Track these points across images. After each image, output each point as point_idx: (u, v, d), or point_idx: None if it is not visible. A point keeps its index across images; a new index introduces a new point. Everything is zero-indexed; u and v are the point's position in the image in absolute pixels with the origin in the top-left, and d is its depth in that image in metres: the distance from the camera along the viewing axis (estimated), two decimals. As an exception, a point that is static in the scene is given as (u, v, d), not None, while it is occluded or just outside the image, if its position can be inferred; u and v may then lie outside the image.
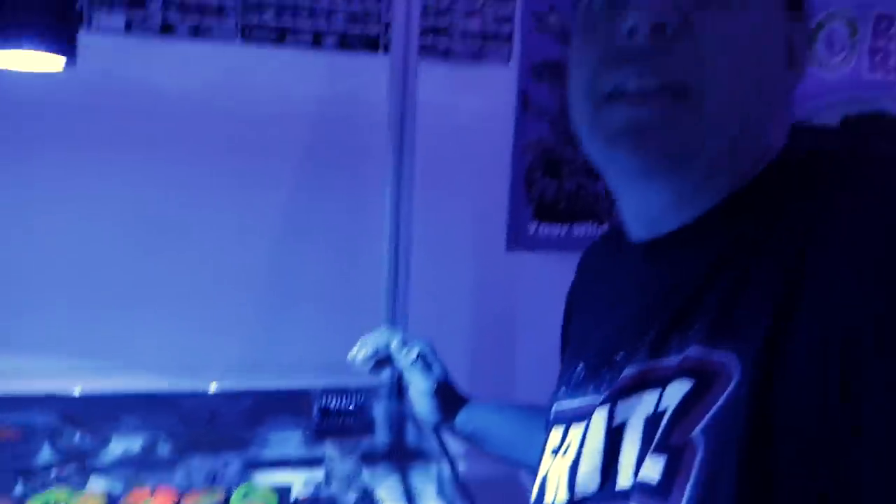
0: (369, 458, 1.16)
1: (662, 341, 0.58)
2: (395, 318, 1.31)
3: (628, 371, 0.60)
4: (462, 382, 1.06)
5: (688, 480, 0.52)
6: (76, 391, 1.20)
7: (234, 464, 1.09)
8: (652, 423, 0.57)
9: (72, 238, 1.36)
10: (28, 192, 1.34)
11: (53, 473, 1.05)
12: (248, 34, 1.43)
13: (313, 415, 1.18)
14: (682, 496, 0.52)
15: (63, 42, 0.69)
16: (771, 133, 0.60)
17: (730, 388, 0.51)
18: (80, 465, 1.08)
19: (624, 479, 0.57)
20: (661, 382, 0.57)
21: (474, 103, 1.54)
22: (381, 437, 1.22)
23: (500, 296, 1.63)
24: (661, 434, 0.55)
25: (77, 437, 1.15)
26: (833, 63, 1.75)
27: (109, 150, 1.37)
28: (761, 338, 0.50)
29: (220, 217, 1.40)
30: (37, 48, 0.72)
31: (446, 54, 1.52)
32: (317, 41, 1.45)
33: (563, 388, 0.69)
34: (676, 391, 0.55)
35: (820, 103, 1.75)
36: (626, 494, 0.57)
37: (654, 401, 0.57)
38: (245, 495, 0.98)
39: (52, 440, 1.14)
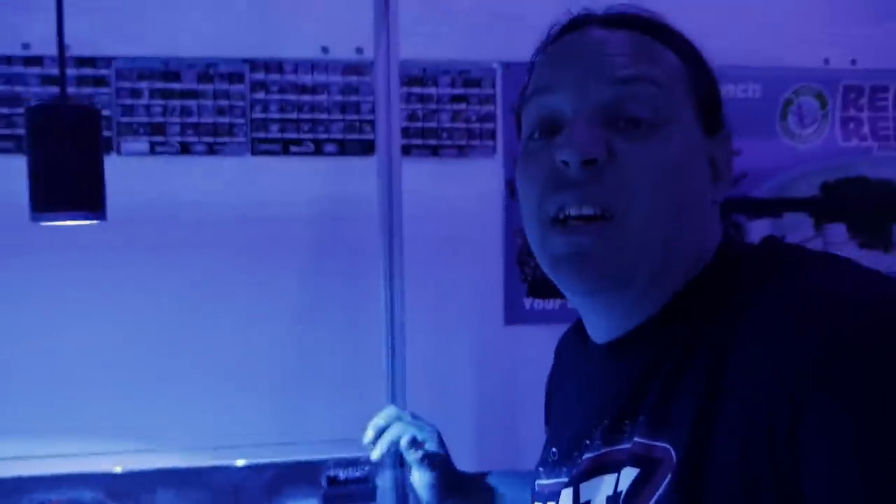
0: (374, 522, 1.29)
1: (616, 430, 0.64)
2: (395, 394, 1.45)
3: (587, 455, 0.68)
4: (467, 450, 1.17)
5: None
6: (118, 469, 1.36)
7: (253, 529, 1.23)
8: (613, 500, 0.63)
9: (111, 335, 1.56)
10: (71, 296, 1.55)
11: (97, 543, 1.20)
12: (256, 148, 1.65)
13: (322, 484, 1.31)
14: None
15: (94, 209, 0.88)
16: (701, 242, 0.65)
17: (668, 476, 0.57)
18: (120, 537, 1.23)
19: None
20: (617, 466, 0.63)
21: (466, 193, 1.72)
22: (384, 502, 1.34)
23: (501, 366, 1.77)
24: None
25: (117, 511, 1.30)
26: (805, 135, 1.88)
27: (140, 254, 1.57)
28: (690, 429, 0.55)
29: (238, 310, 1.59)
30: (72, 219, 0.91)
31: (435, 152, 1.72)
32: (318, 149, 1.66)
33: (541, 469, 0.76)
34: (628, 476, 0.61)
35: (795, 173, 1.87)
36: None
37: (613, 482, 0.63)
38: (262, 556, 1.11)
39: (96, 514, 1.30)
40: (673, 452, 0.57)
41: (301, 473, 1.39)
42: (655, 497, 0.58)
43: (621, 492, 0.62)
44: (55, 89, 1.58)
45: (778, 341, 0.53)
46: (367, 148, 1.68)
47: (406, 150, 1.61)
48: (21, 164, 1.55)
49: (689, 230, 0.63)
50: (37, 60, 1.60)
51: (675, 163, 0.62)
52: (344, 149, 1.67)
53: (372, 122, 1.68)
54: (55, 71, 1.58)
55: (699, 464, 0.55)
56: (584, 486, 0.68)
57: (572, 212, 0.62)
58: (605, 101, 0.62)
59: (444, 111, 1.72)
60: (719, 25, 1.73)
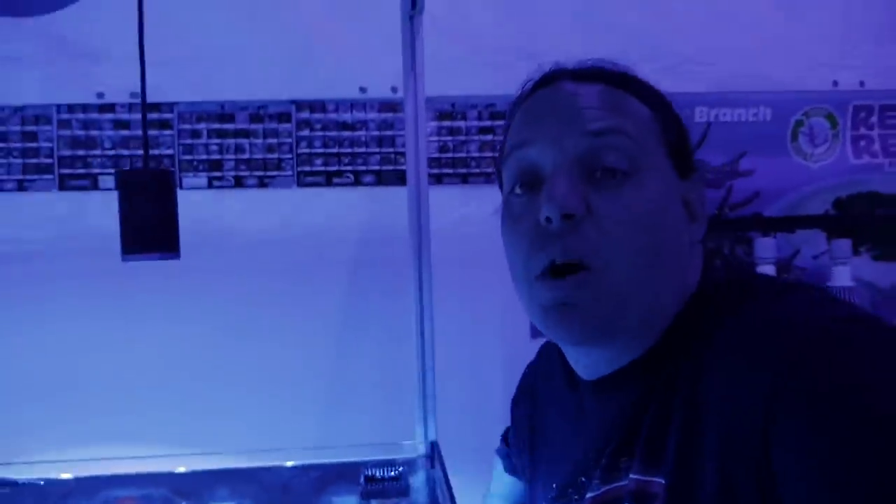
0: (408, 516, 1.42)
1: (613, 469, 0.67)
2: (426, 403, 1.59)
3: (589, 495, 0.70)
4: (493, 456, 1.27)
5: None
6: (181, 469, 1.53)
7: (301, 520, 1.37)
8: None
9: (174, 351, 1.74)
10: (139, 317, 1.74)
11: (166, 531, 1.36)
12: (302, 180, 1.83)
13: (360, 482, 1.45)
14: None
15: (171, 249, 1.05)
16: (683, 281, 0.67)
17: None
18: (185, 526, 1.39)
19: None
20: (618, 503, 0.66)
21: (494, 216, 1.86)
22: (417, 498, 1.48)
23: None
24: None
25: (183, 504, 1.47)
26: (817, 154, 1.96)
27: (200, 277, 1.75)
28: (676, 462, 0.58)
29: (286, 326, 1.75)
30: (154, 259, 1.09)
31: (465, 179, 1.87)
32: (357, 180, 1.83)
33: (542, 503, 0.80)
34: None
35: (807, 191, 1.95)
36: None
37: None
38: (308, 543, 1.26)
39: (164, 507, 1.47)
40: (665, 486, 0.59)
41: (343, 473, 1.53)
42: None
43: None
44: (126, 132, 1.80)
45: (738, 367, 0.56)
46: (401, 178, 1.83)
47: (438, 179, 1.77)
48: (93, 199, 1.78)
49: (669, 274, 0.65)
50: (110, 108, 1.81)
51: (651, 210, 0.64)
52: (381, 179, 1.84)
53: (405, 154, 1.84)
54: (125, 116, 1.80)
55: (688, 495, 0.57)
56: None
57: (559, 260, 0.64)
58: (581, 154, 0.65)
59: (472, 142, 1.87)
60: (730, 51, 1.85)
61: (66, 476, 1.51)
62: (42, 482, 1.49)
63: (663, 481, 0.60)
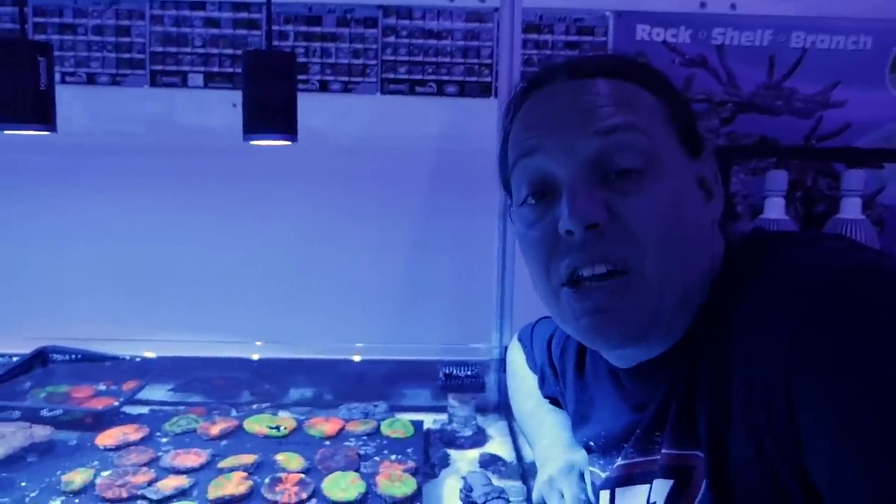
0: (482, 409, 1.48)
1: (647, 441, 0.69)
2: (503, 311, 1.63)
3: (621, 462, 0.73)
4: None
5: None
6: (255, 357, 1.62)
7: (381, 406, 1.44)
8: None
9: (259, 247, 1.80)
10: (227, 212, 1.80)
11: (254, 407, 1.45)
12: (385, 88, 1.84)
13: (439, 377, 1.51)
14: None
15: (292, 132, 1.09)
16: (711, 264, 0.66)
17: (703, 483, 0.60)
18: (271, 404, 1.47)
19: None
20: (648, 477, 0.68)
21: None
22: (491, 395, 1.54)
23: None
24: None
25: (266, 386, 1.56)
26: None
27: (284, 180, 1.80)
28: (710, 434, 0.59)
29: (368, 230, 1.80)
30: (275, 140, 1.12)
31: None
32: (440, 90, 1.84)
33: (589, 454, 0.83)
34: (662, 488, 0.65)
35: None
36: None
37: (645, 494, 0.68)
38: (390, 425, 1.32)
39: (249, 387, 1.56)
40: (704, 459, 0.60)
41: (415, 370, 1.60)
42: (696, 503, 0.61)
43: (654, 502, 0.66)
44: (215, 31, 1.82)
45: (759, 331, 0.56)
46: (484, 90, 1.84)
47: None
48: (182, 96, 1.83)
49: (697, 262, 0.65)
50: (200, 5, 1.83)
51: (671, 204, 0.62)
52: (463, 90, 1.84)
53: (490, 66, 1.83)
54: (215, 14, 1.82)
55: (725, 465, 0.58)
56: (618, 492, 0.73)
57: (584, 273, 0.62)
58: (593, 156, 0.62)
59: (558, 57, 1.85)
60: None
61: (159, 355, 1.61)
62: (138, 359, 1.59)
63: (701, 455, 0.60)
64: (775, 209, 1.74)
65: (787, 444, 0.52)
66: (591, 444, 0.82)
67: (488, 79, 1.83)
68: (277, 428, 1.29)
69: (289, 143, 1.16)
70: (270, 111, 1.07)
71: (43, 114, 1.01)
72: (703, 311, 0.65)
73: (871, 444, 0.47)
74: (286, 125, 1.09)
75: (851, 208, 1.73)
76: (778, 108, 1.85)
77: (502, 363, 1.57)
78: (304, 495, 1.05)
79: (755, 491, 0.55)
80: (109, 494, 1.04)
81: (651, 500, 0.67)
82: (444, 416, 1.42)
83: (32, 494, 1.05)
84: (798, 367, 0.51)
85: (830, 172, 1.86)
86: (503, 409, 1.49)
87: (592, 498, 0.82)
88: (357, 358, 1.64)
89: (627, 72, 0.67)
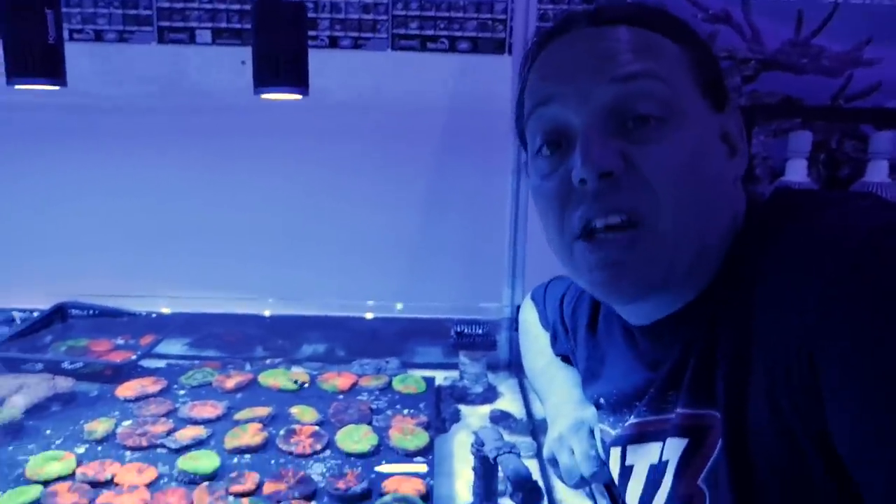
0: (493, 366, 1.50)
1: (661, 400, 0.68)
2: (515, 269, 1.64)
3: (634, 420, 0.72)
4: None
5: None
6: (266, 313, 1.64)
7: (393, 362, 1.47)
8: (656, 469, 0.68)
9: (270, 205, 1.81)
10: (238, 169, 1.80)
11: (268, 362, 1.47)
12: (396, 43, 1.82)
13: (451, 335, 1.53)
14: None
15: (303, 84, 1.08)
16: (732, 220, 0.64)
17: (719, 442, 0.59)
18: (284, 359, 1.50)
19: None
20: (661, 436, 0.67)
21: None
22: (501, 353, 1.55)
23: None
24: (671, 487, 0.65)
25: (279, 342, 1.58)
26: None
27: (294, 137, 1.79)
28: (728, 394, 0.58)
29: (379, 187, 1.80)
30: (285, 92, 1.12)
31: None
32: (452, 47, 1.81)
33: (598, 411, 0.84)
34: (673, 447, 0.64)
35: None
36: None
37: (658, 451, 0.67)
38: (403, 380, 1.35)
39: (262, 343, 1.58)
40: (721, 419, 0.59)
41: (427, 327, 1.61)
42: (708, 466, 0.60)
43: (666, 461, 0.65)
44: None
45: (783, 291, 0.54)
46: (498, 46, 1.81)
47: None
48: (190, 52, 1.82)
49: (716, 217, 0.62)
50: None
51: (692, 154, 0.60)
52: (476, 46, 1.81)
53: (504, 22, 1.80)
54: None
55: (742, 426, 0.56)
56: (630, 450, 0.73)
57: (598, 223, 0.60)
58: (610, 103, 0.60)
59: (576, 10, 1.81)
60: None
61: (174, 311, 1.63)
62: (154, 315, 1.62)
63: (717, 414, 0.59)
64: (797, 171, 1.70)
65: (807, 406, 0.52)
66: (602, 401, 0.82)
67: (502, 35, 1.80)
68: (297, 382, 1.31)
69: (300, 96, 1.15)
70: (280, 63, 1.06)
71: (52, 68, 1.01)
72: (723, 268, 0.63)
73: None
74: (296, 77, 1.08)
75: (878, 171, 1.68)
76: (804, 67, 1.80)
77: (513, 322, 1.58)
78: (319, 447, 1.08)
79: (772, 452, 0.55)
80: (130, 443, 1.07)
81: (663, 458, 0.67)
82: (455, 374, 1.45)
83: (58, 441, 1.08)
84: (825, 330, 0.50)
85: (857, 134, 1.82)
86: (514, 366, 1.51)
87: (603, 454, 0.83)
88: (369, 315, 1.66)
89: (650, 20, 0.64)
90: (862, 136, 1.80)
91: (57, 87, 1.06)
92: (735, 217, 0.65)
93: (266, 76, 1.06)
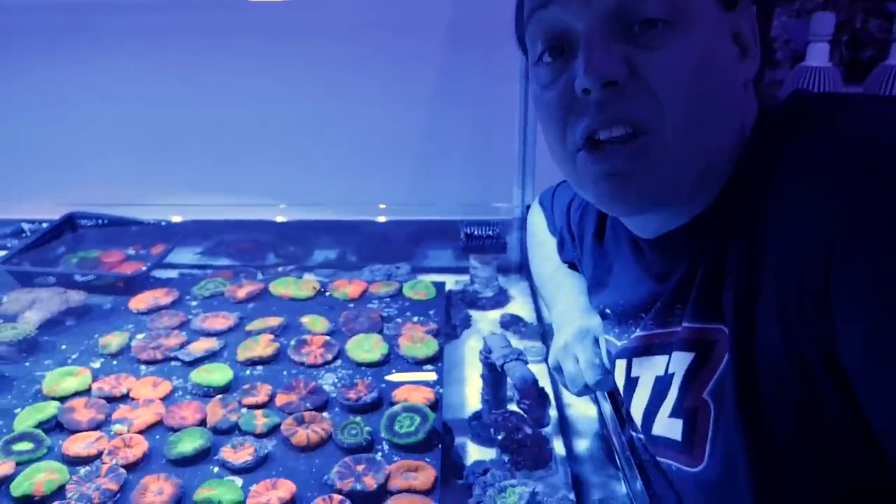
0: (503, 269, 1.49)
1: (667, 314, 0.67)
2: (525, 168, 1.60)
3: (639, 333, 0.71)
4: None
5: (706, 437, 0.62)
6: (281, 219, 1.63)
7: (403, 267, 1.46)
8: (662, 381, 0.68)
9: (277, 106, 1.75)
10: (245, 69, 1.74)
11: (279, 270, 1.48)
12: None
13: (460, 238, 1.51)
14: (703, 449, 0.62)
15: None
16: (740, 127, 0.62)
17: (725, 357, 0.59)
18: (296, 266, 1.50)
19: (636, 425, 0.72)
20: (667, 349, 0.67)
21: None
22: (512, 255, 1.54)
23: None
24: (676, 399, 0.65)
25: (290, 248, 1.58)
26: None
27: (299, 35, 1.70)
28: (736, 309, 0.57)
29: (385, 86, 1.72)
30: None
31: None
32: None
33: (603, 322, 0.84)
34: (679, 360, 0.64)
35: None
36: (652, 441, 0.70)
37: (664, 364, 0.67)
38: (413, 287, 1.34)
39: (274, 250, 1.58)
40: (728, 333, 0.58)
41: (439, 229, 1.60)
42: (714, 379, 0.61)
43: (672, 374, 0.65)
44: None
45: (798, 207, 0.52)
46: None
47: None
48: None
49: (725, 125, 0.60)
50: None
51: (699, 60, 0.57)
52: (483, -73, 1.68)
53: None
54: None
55: (750, 341, 0.56)
56: (635, 362, 0.73)
57: (602, 135, 0.59)
58: (614, 5, 0.57)
59: None
60: None
61: (185, 218, 1.63)
62: (164, 223, 1.61)
63: (725, 329, 0.59)
64: (819, 56, 1.62)
65: (817, 324, 0.51)
66: (608, 311, 0.81)
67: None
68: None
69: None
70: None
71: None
72: (732, 180, 0.61)
73: None
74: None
75: (902, 54, 1.60)
76: (831, -61, 1.67)
77: (524, 222, 1.55)
78: (329, 357, 1.09)
79: (779, 368, 0.54)
80: (144, 356, 1.09)
81: (669, 371, 0.67)
82: (466, 278, 1.44)
83: (73, 356, 1.11)
84: (842, 242, 0.48)
85: (884, 13, 1.70)
86: (525, 269, 1.50)
87: (608, 363, 0.83)
88: (381, 219, 1.65)
89: None
90: (889, 14, 1.68)
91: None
92: (745, 124, 0.62)
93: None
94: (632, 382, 0.74)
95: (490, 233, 1.53)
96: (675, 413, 0.66)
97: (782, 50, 1.77)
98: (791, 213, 0.53)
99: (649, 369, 0.71)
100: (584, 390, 0.88)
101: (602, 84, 0.56)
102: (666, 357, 0.68)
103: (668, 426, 0.67)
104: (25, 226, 1.59)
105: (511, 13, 1.38)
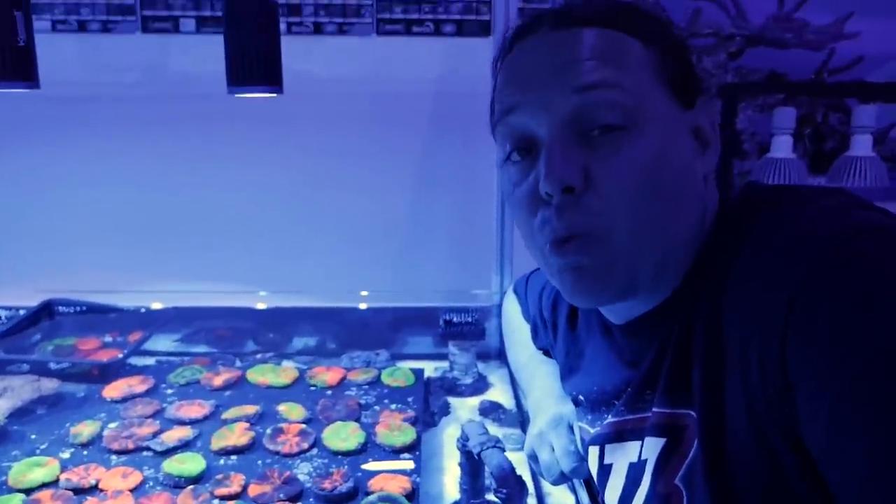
0: (483, 356, 1.50)
1: (638, 400, 0.69)
2: (503, 256, 1.63)
3: (611, 419, 0.73)
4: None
5: None
6: (261, 306, 1.63)
7: (383, 354, 1.46)
8: (635, 467, 0.68)
9: (256, 195, 1.79)
10: (225, 158, 1.78)
11: (258, 357, 1.47)
12: (381, 28, 1.79)
13: (439, 324, 1.52)
14: None
15: (276, 83, 1.06)
16: (700, 219, 0.65)
17: (695, 442, 0.60)
18: (275, 353, 1.49)
19: None
20: (640, 435, 0.68)
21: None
22: (491, 342, 1.54)
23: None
24: (649, 485, 0.66)
25: (270, 335, 1.58)
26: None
27: (280, 126, 1.77)
28: (703, 392, 0.58)
29: (365, 176, 1.78)
30: (256, 91, 1.09)
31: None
32: (437, 30, 1.78)
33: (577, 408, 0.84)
34: (652, 446, 0.65)
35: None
36: None
37: (636, 450, 0.68)
38: (391, 374, 1.34)
39: (253, 337, 1.58)
40: (696, 418, 0.59)
41: (418, 316, 1.61)
42: (686, 463, 0.61)
43: (646, 460, 0.66)
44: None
45: (755, 292, 0.55)
46: (483, 28, 1.78)
47: (520, 31, 1.70)
48: (175, 42, 1.79)
49: (683, 219, 0.63)
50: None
51: (654, 162, 0.60)
52: (461, 29, 1.78)
53: (488, 4, 1.77)
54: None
55: (718, 426, 0.57)
56: (608, 449, 0.74)
57: (559, 234, 0.62)
58: (571, 114, 0.60)
59: (557, -8, 1.78)
60: None
61: (163, 306, 1.63)
62: (144, 310, 1.61)
63: (694, 414, 0.60)
64: (783, 147, 1.71)
65: (780, 408, 0.52)
66: (581, 397, 0.82)
67: (487, 17, 1.77)
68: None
69: (273, 95, 1.13)
70: (254, 63, 1.04)
71: (24, 70, 0.98)
72: (694, 267, 0.64)
73: (870, 414, 0.46)
74: (270, 77, 1.06)
75: (862, 145, 1.69)
76: (788, 41, 1.79)
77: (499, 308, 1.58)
78: (305, 445, 1.08)
79: (747, 452, 0.55)
80: (116, 446, 1.07)
81: (642, 458, 0.67)
82: (445, 364, 1.44)
83: (42, 446, 1.08)
84: (795, 332, 0.50)
85: (842, 107, 1.81)
86: (504, 356, 1.50)
87: (582, 450, 0.82)
88: (363, 306, 1.66)
89: (616, 19, 0.63)
90: (847, 109, 1.79)
91: (28, 91, 1.04)
92: (705, 214, 0.65)
93: (238, 76, 1.04)
94: (605, 470, 0.74)
95: (469, 319, 1.54)
96: (648, 500, 0.66)
97: (749, 142, 1.86)
98: (747, 301, 0.55)
99: (622, 456, 0.71)
100: (560, 479, 0.88)
101: (561, 189, 0.60)
102: (639, 443, 0.68)
103: None
104: (2, 312, 1.58)
105: (487, 107, 1.45)
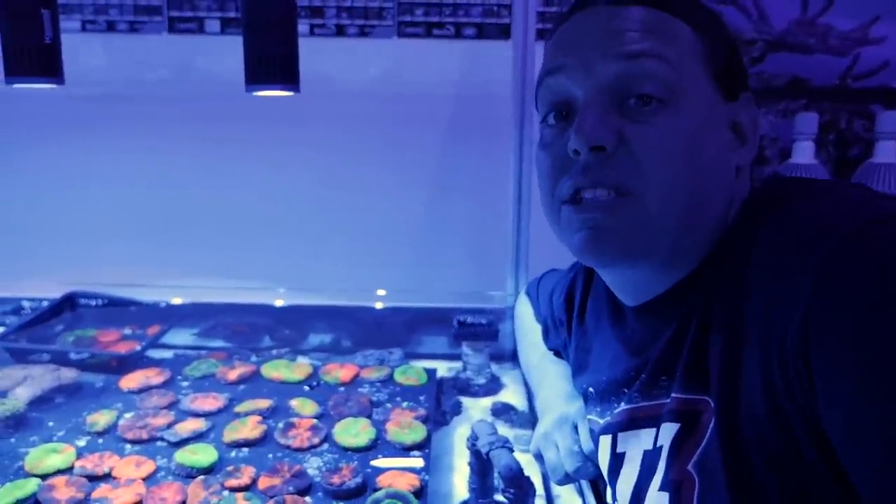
0: (496, 357, 1.50)
1: (653, 386, 0.68)
2: (519, 257, 1.63)
3: (624, 407, 0.72)
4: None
5: None
6: (279, 303, 1.65)
7: (396, 353, 1.46)
8: (650, 454, 0.68)
9: (277, 194, 1.81)
10: (246, 158, 1.81)
11: (273, 352, 1.48)
12: (402, 31, 1.80)
13: (454, 325, 1.53)
14: None
15: (294, 82, 1.07)
16: (726, 206, 0.65)
17: (710, 427, 0.60)
18: (290, 349, 1.51)
19: (622, 502, 0.71)
20: (654, 421, 0.67)
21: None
22: (505, 343, 1.54)
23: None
24: (663, 472, 0.65)
25: (286, 332, 1.59)
26: None
27: (301, 126, 1.78)
28: (721, 379, 0.58)
29: (384, 176, 1.79)
30: (274, 89, 1.11)
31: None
32: (458, 33, 1.79)
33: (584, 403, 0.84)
34: (668, 431, 0.65)
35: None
36: None
37: (652, 437, 0.68)
38: (404, 372, 1.35)
39: (269, 333, 1.59)
40: (713, 404, 0.60)
41: (433, 317, 1.61)
42: (699, 451, 0.61)
43: (661, 446, 0.66)
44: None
45: (775, 281, 0.55)
46: (503, 31, 1.78)
47: (541, 34, 1.70)
48: (200, 42, 1.81)
49: (709, 201, 0.63)
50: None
51: (687, 139, 0.61)
52: (482, 32, 1.79)
53: (508, 7, 1.77)
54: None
55: (735, 411, 0.57)
56: (621, 437, 0.73)
57: (586, 195, 0.63)
58: (613, 79, 0.61)
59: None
60: None
61: (184, 300, 1.65)
62: (163, 304, 1.64)
63: (710, 400, 0.60)
64: (804, 153, 1.69)
65: (800, 394, 0.52)
66: (591, 390, 0.81)
67: (507, 20, 1.78)
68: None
69: (290, 93, 1.14)
70: (272, 62, 1.05)
71: (49, 67, 1.01)
72: (715, 251, 0.65)
73: (890, 400, 0.46)
74: (288, 75, 1.07)
75: (886, 152, 1.67)
76: (811, 47, 1.76)
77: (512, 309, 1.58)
78: (316, 440, 1.09)
79: (764, 438, 0.55)
80: (130, 435, 1.09)
81: (658, 444, 0.67)
82: (458, 365, 1.44)
83: (60, 433, 1.10)
84: (816, 317, 0.50)
85: (866, 114, 1.78)
86: (517, 357, 1.50)
87: (587, 447, 0.82)
88: (378, 305, 1.67)
89: (672, 4, 0.65)
90: (871, 115, 1.76)
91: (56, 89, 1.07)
92: (732, 203, 0.66)
93: (256, 75, 1.06)
94: (618, 458, 0.74)
95: (483, 321, 1.54)
96: (663, 487, 0.66)
97: (770, 147, 1.84)
98: (769, 286, 0.55)
99: (636, 444, 0.71)
100: (565, 479, 0.87)
101: (590, 147, 0.61)
102: (654, 430, 0.68)
103: (656, 501, 0.66)
104: (26, 303, 1.62)
105: (506, 110, 1.45)
